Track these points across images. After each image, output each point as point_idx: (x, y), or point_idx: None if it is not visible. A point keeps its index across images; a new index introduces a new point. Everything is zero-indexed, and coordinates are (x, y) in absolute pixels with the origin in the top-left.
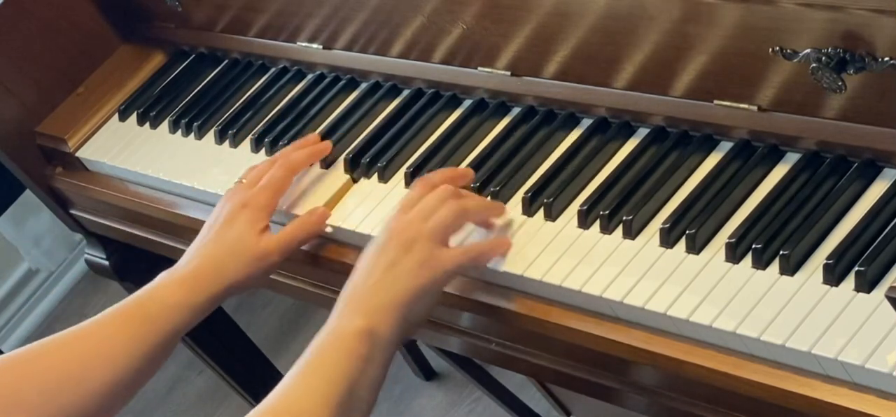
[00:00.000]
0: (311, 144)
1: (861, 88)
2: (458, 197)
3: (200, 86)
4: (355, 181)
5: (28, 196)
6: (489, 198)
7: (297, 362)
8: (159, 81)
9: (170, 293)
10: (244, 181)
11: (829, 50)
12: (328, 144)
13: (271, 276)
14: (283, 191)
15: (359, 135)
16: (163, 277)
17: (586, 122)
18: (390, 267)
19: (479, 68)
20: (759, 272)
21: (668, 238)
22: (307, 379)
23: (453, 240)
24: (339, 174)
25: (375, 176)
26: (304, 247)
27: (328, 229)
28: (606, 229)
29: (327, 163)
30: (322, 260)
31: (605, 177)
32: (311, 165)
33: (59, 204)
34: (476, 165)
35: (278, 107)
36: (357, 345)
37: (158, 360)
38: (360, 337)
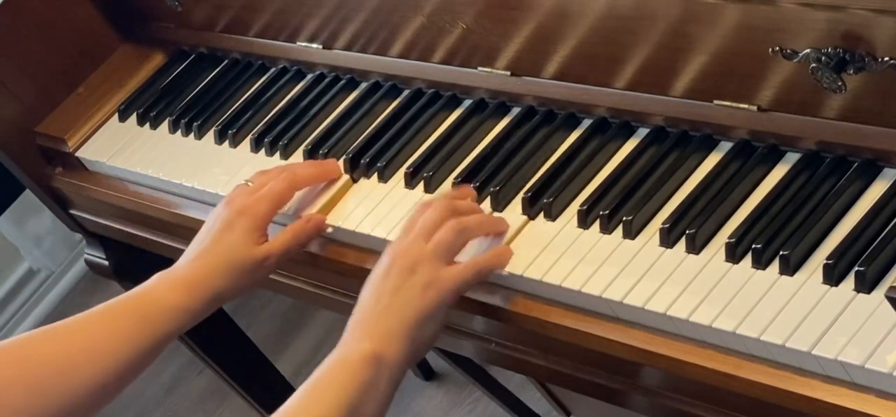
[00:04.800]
0: (321, 165)
1: (861, 88)
2: (457, 215)
3: (200, 87)
4: (355, 181)
5: (28, 196)
6: (489, 198)
7: (303, 384)
8: (159, 81)
9: (166, 295)
10: (250, 184)
11: (829, 50)
12: (339, 167)
13: (270, 276)
14: (283, 202)
15: (359, 136)
16: (159, 278)
17: (586, 122)
18: (396, 291)
19: (479, 68)
20: (759, 272)
21: (668, 238)
22: (308, 403)
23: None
24: None
25: (375, 176)
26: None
27: (329, 229)
28: (606, 229)
29: None
30: (321, 261)
31: (605, 177)
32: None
33: (59, 204)
34: (476, 165)
35: (278, 107)
36: (362, 371)
37: (148, 361)
38: (367, 362)
